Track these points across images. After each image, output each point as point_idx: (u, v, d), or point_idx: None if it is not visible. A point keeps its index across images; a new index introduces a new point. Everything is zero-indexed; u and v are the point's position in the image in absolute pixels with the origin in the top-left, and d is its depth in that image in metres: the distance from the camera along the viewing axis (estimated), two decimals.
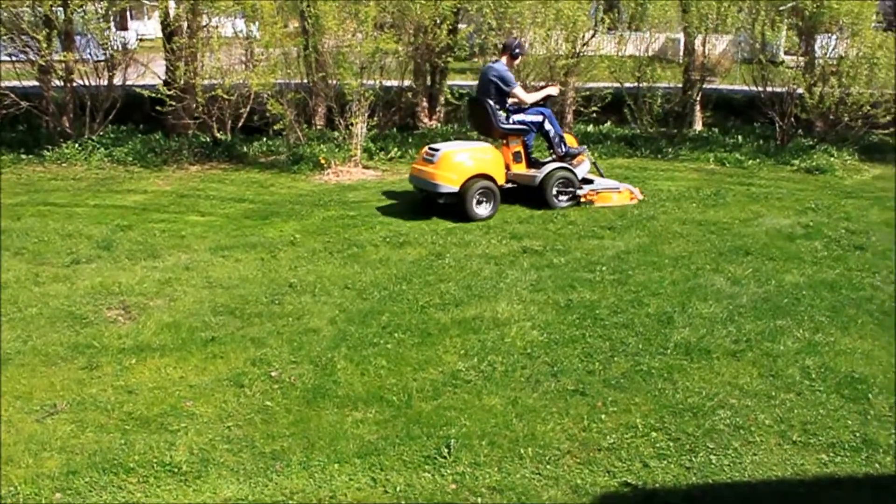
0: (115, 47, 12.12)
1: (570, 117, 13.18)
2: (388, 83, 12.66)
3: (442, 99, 13.31)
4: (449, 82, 13.73)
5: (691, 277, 6.66)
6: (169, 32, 11.75)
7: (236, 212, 9.00)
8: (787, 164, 11.79)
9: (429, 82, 13.55)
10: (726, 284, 6.52)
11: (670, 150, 12.36)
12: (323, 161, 11.03)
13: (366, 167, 11.25)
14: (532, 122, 9.06)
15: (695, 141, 13.06)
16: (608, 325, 5.66)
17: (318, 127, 13.02)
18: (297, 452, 4.15)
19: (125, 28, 23.35)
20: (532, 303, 6.07)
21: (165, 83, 11.61)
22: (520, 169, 9.12)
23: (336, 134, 11.99)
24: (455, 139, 11.36)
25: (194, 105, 11.48)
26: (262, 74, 11.23)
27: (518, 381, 4.88)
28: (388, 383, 4.88)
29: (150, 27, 32.50)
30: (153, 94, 11.11)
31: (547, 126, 9.07)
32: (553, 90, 9.41)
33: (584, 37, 12.37)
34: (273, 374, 5.01)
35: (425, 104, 13.42)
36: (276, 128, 11.63)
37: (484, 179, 8.59)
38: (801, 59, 12.86)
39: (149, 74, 12.35)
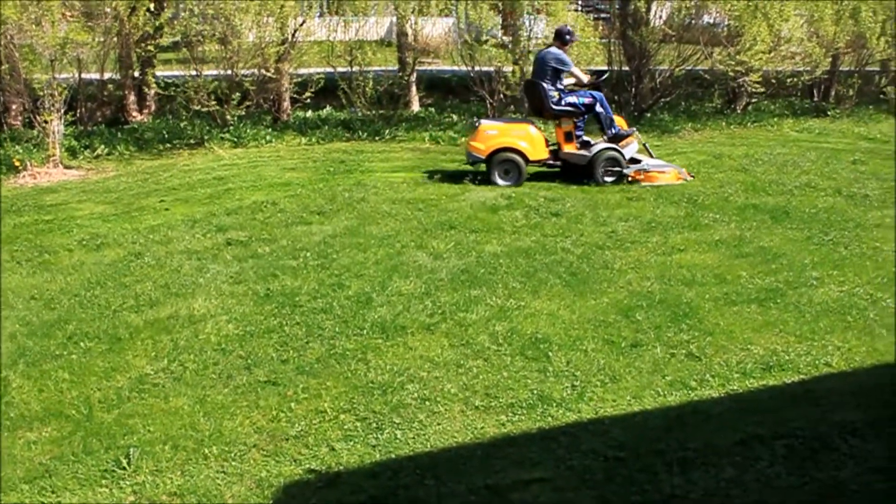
0: None
1: (286, 104, 13.00)
2: (90, 76, 11.89)
3: (152, 91, 12.66)
4: (159, 73, 13.06)
5: (395, 256, 6.77)
6: None
7: None
8: None
9: (137, 74, 12.86)
10: (428, 260, 6.68)
11: (387, 131, 12.51)
12: (17, 163, 10.17)
13: (68, 167, 10.50)
14: (583, 104, 9.44)
15: (411, 121, 13.33)
16: (307, 310, 5.62)
17: (15, 126, 12.00)
18: None
19: None
20: (231, 296, 5.90)
21: None
22: (571, 148, 9.55)
23: (35, 133, 11.10)
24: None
25: None
26: None
27: (209, 378, 4.73)
28: (68, 397, 4.56)
29: None
30: None
31: (598, 108, 9.46)
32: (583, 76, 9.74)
33: (295, 23, 12.24)
34: None
35: (133, 97, 12.71)
36: None
37: (509, 152, 9.28)
38: (506, 38, 13.47)
39: None
